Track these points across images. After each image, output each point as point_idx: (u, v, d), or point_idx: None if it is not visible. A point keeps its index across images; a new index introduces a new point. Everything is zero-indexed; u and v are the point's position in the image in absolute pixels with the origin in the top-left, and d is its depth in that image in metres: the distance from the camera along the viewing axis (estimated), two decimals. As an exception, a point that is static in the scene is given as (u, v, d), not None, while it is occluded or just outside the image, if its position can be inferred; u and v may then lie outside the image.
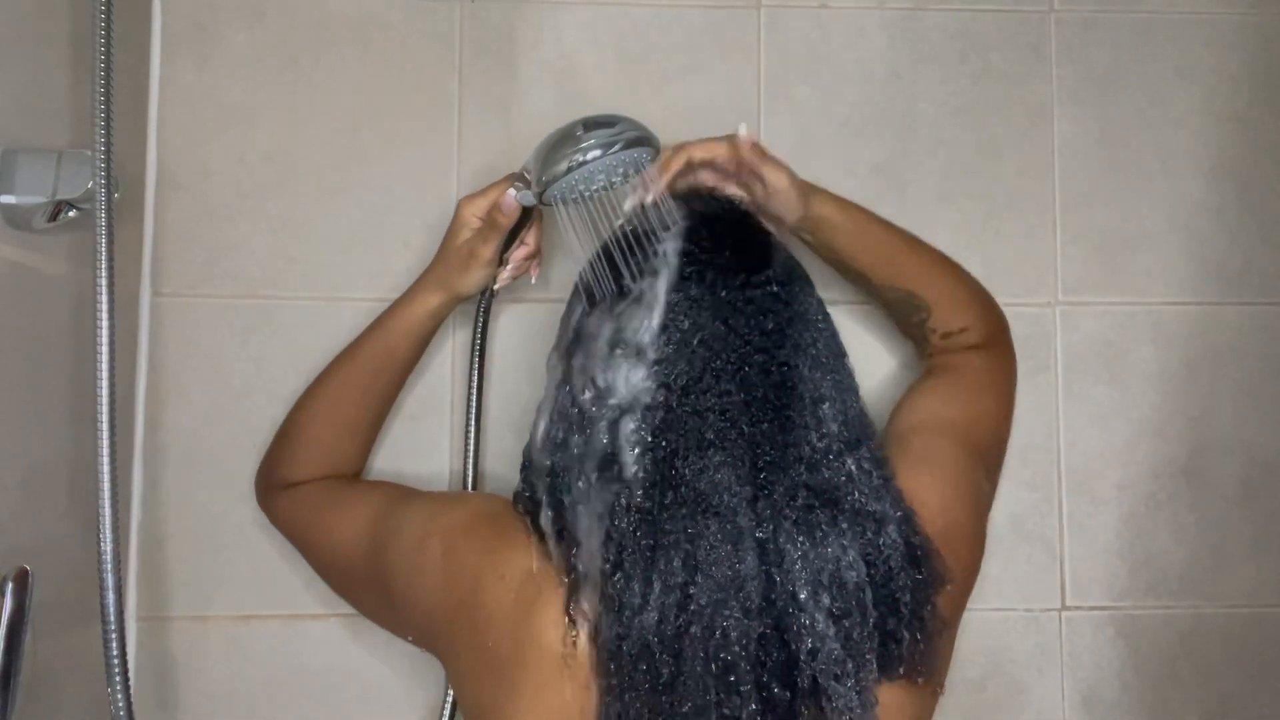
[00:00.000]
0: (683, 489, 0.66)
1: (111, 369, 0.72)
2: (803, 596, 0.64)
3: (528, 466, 0.76)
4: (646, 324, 0.70)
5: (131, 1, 0.96)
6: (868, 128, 1.04)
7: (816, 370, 0.71)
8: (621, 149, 0.75)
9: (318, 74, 1.01)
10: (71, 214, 0.76)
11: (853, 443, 0.70)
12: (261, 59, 1.00)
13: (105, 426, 0.71)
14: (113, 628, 0.72)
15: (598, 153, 0.75)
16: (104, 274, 0.72)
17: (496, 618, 0.68)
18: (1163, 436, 1.03)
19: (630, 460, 0.68)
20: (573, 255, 0.81)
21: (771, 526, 0.65)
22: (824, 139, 1.03)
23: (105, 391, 0.71)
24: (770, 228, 0.80)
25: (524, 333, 1.00)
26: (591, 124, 0.76)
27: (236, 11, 1.00)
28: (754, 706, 0.62)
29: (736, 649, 0.63)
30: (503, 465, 0.98)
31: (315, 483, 0.87)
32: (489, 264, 0.86)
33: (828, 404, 0.70)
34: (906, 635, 0.66)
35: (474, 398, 0.94)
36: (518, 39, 1.02)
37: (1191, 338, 1.04)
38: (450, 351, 0.99)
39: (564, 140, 0.76)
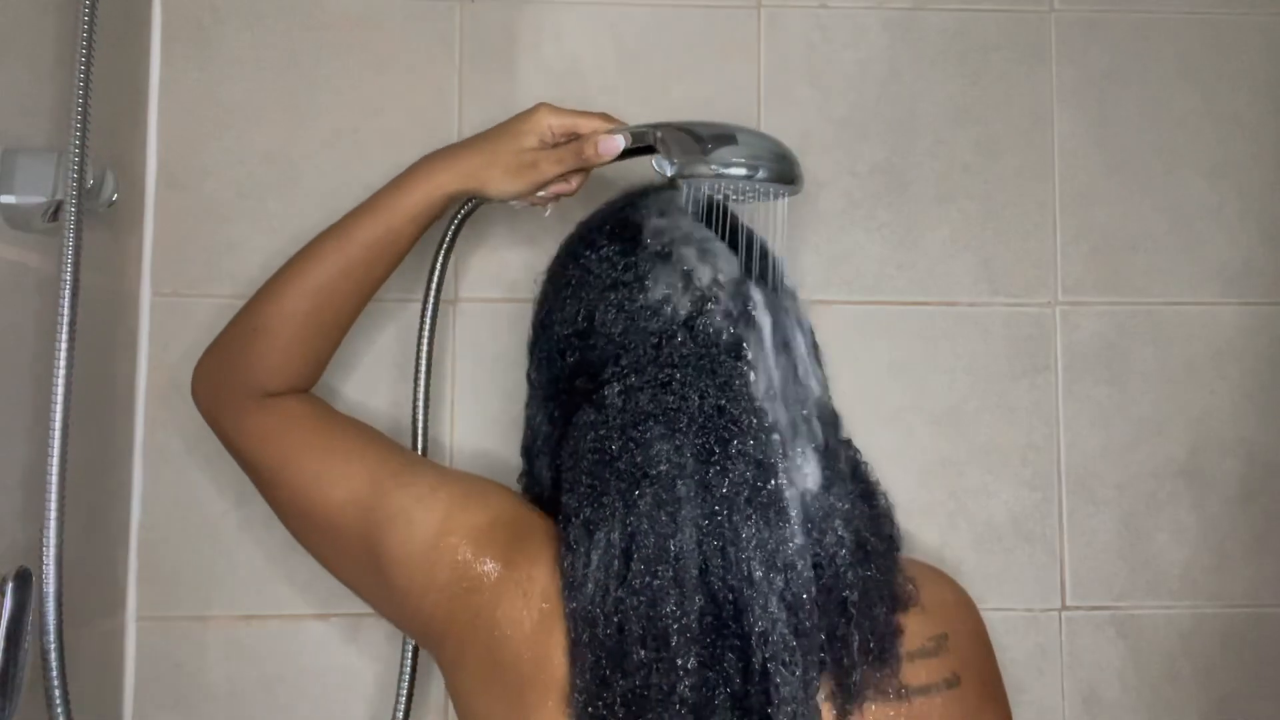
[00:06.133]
0: (620, 461, 0.66)
1: (69, 369, 0.70)
2: (757, 576, 0.62)
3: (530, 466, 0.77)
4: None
5: (131, 1, 0.96)
6: (868, 128, 1.04)
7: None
8: (762, 180, 0.76)
9: (318, 74, 1.01)
10: (71, 214, 0.76)
11: (811, 433, 0.68)
12: (261, 59, 1.00)
13: (58, 428, 0.70)
14: (51, 640, 0.70)
15: (742, 171, 0.75)
16: (69, 270, 0.70)
17: (515, 636, 0.65)
18: (1163, 436, 1.03)
19: (585, 440, 0.68)
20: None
21: (724, 501, 0.64)
22: (824, 139, 1.03)
23: (60, 392, 0.70)
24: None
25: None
26: (748, 136, 0.77)
27: (236, 11, 1.00)
28: (692, 682, 0.60)
29: (671, 622, 0.61)
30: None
31: (295, 402, 0.77)
32: (539, 185, 0.80)
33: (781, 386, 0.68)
34: (856, 636, 0.63)
35: (429, 316, 0.88)
36: (518, 39, 1.02)
37: (1191, 338, 1.04)
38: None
39: (717, 141, 0.76)
